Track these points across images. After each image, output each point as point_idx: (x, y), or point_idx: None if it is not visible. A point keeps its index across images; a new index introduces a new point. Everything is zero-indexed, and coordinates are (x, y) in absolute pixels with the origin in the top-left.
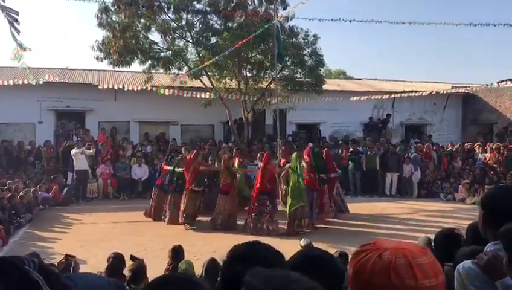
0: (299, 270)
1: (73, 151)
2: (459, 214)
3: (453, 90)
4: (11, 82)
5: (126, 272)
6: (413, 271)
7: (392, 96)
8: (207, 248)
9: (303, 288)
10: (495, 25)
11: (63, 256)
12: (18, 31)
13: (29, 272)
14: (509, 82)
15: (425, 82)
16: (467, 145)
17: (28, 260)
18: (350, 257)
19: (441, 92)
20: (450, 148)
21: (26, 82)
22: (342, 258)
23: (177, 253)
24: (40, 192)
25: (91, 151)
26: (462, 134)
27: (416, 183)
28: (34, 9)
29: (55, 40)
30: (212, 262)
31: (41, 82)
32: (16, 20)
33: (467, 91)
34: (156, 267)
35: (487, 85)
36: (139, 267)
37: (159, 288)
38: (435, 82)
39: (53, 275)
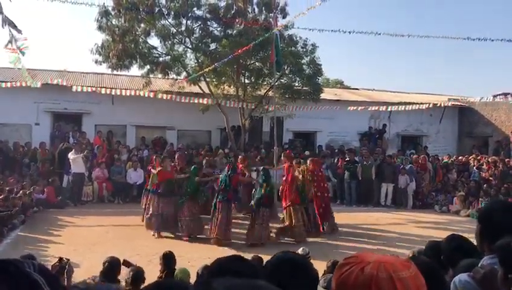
0: (275, 272)
1: (71, 156)
2: (454, 226)
3: (449, 103)
4: (8, 84)
5: (122, 277)
6: (395, 285)
7: (389, 107)
8: (200, 254)
9: None
10: (492, 40)
11: (57, 259)
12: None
13: (30, 274)
14: (503, 96)
15: (422, 94)
16: (462, 158)
17: (27, 262)
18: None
19: (438, 104)
20: (445, 160)
21: (24, 84)
22: (334, 267)
23: (168, 259)
24: (34, 194)
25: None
26: (457, 146)
27: (411, 194)
28: (33, 10)
29: (53, 42)
30: (206, 269)
31: (38, 85)
32: (19, 33)
33: (463, 104)
34: (149, 273)
35: (482, 98)
36: (139, 273)
37: None
38: (432, 94)
39: (52, 277)
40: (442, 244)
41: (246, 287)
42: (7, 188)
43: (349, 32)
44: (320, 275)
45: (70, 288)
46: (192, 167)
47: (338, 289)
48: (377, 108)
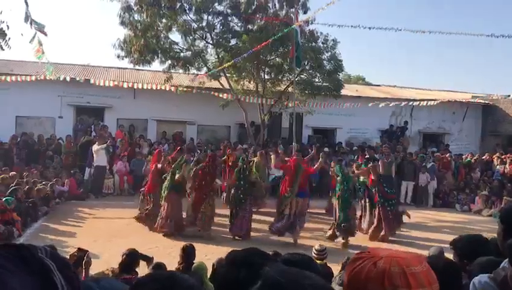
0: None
1: (94, 147)
2: (475, 225)
3: (472, 100)
4: (33, 78)
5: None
6: (407, 279)
7: (411, 103)
8: (218, 247)
9: (316, 284)
10: None
11: (76, 249)
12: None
13: (42, 259)
14: None
15: (445, 91)
16: (485, 157)
17: (40, 247)
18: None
19: (461, 101)
20: (468, 159)
21: (48, 78)
22: None
23: (187, 253)
24: (56, 185)
25: (105, 145)
26: (480, 145)
27: (432, 193)
28: (58, 5)
29: (78, 37)
30: (221, 262)
31: (61, 78)
32: (43, 31)
33: (487, 101)
34: (168, 265)
35: (508, 96)
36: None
37: (141, 286)
38: (455, 91)
39: (64, 264)
40: (461, 242)
41: (298, 274)
42: (32, 180)
43: (369, 28)
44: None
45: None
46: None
47: (350, 283)
48: (398, 104)
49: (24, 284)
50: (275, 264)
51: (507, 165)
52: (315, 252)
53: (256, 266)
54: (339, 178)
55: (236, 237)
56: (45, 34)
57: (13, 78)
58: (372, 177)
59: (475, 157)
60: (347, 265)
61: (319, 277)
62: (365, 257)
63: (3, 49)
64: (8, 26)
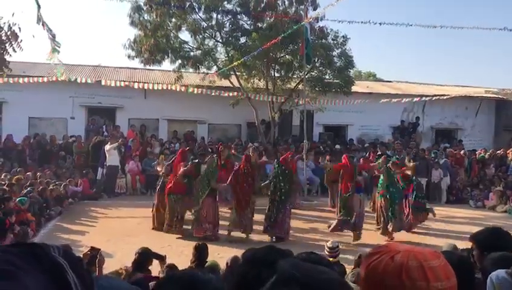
0: None
1: (107, 147)
2: (489, 221)
3: (485, 94)
4: (45, 79)
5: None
6: (425, 273)
7: (423, 99)
8: (231, 245)
9: (331, 278)
10: None
11: (89, 248)
12: (55, 42)
13: (55, 257)
14: None
15: (457, 86)
16: (500, 152)
17: (53, 246)
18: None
19: (473, 96)
20: (482, 155)
21: (60, 79)
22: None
23: (201, 251)
24: (70, 186)
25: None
26: (494, 140)
27: (445, 189)
28: (69, 7)
29: (89, 38)
30: (234, 260)
31: (72, 80)
32: (54, 37)
33: (500, 96)
34: (181, 264)
35: None
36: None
37: (164, 286)
38: (467, 86)
39: (76, 262)
40: (483, 235)
41: (313, 269)
42: (45, 180)
43: (380, 24)
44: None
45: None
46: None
47: (367, 277)
48: (410, 100)
49: (37, 282)
50: (289, 259)
51: None
52: (327, 249)
53: (275, 264)
54: (383, 175)
55: (274, 238)
56: (59, 47)
57: (25, 80)
58: (409, 173)
59: (489, 153)
60: (364, 259)
61: (335, 273)
62: (382, 251)
63: (16, 51)
64: (20, 28)
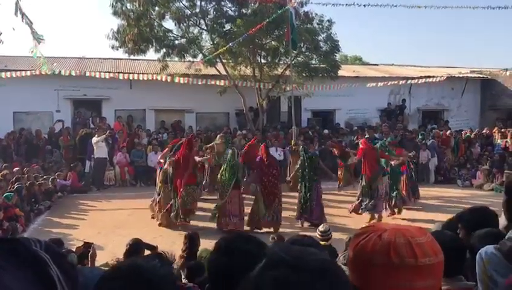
0: None
1: (94, 139)
2: (476, 200)
3: (471, 75)
4: (28, 73)
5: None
6: (413, 250)
7: (409, 81)
8: (222, 234)
9: (320, 259)
10: None
11: (82, 243)
12: (35, 32)
13: (37, 252)
14: None
15: (443, 67)
16: (485, 131)
17: (34, 240)
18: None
19: (459, 77)
20: (468, 134)
21: (43, 72)
22: None
23: (191, 240)
24: (58, 180)
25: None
26: (480, 120)
27: (433, 169)
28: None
29: (71, 29)
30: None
31: (56, 72)
32: (33, 29)
33: (485, 76)
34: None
35: (506, 69)
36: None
37: (108, 279)
38: (453, 67)
39: (59, 256)
40: (465, 214)
41: (302, 251)
42: (33, 175)
43: (364, 6)
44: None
45: (79, 269)
46: None
47: (356, 257)
48: (396, 83)
49: (17, 279)
50: (279, 243)
51: (508, 139)
52: (319, 233)
53: (245, 251)
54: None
55: (310, 225)
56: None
57: (8, 74)
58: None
59: (474, 133)
60: (352, 240)
61: (324, 254)
62: (370, 230)
63: None
64: None
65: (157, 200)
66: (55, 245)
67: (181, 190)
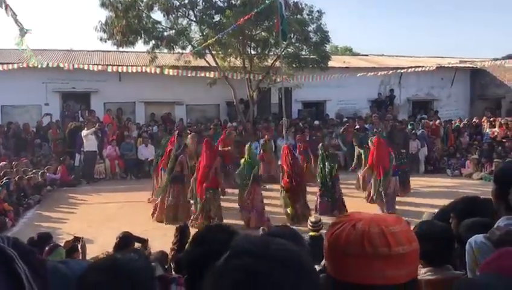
0: None
1: (84, 132)
2: (466, 189)
3: (460, 65)
4: (15, 66)
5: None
6: (387, 239)
7: (399, 71)
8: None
9: (284, 249)
10: None
11: (71, 236)
12: (20, 24)
13: (4, 248)
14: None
15: (433, 57)
16: (474, 121)
17: (2, 237)
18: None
19: (448, 67)
20: (457, 124)
21: (31, 65)
22: None
23: (182, 232)
24: (47, 173)
25: (93, 129)
26: (469, 109)
27: (423, 159)
28: None
29: (59, 22)
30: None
31: (44, 65)
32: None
33: (474, 66)
34: (165, 246)
35: (495, 59)
36: (161, 257)
37: (88, 277)
38: (442, 57)
39: (27, 251)
40: (459, 204)
41: (266, 240)
42: (22, 169)
43: None
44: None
45: (46, 261)
46: None
47: (330, 247)
48: (386, 73)
49: None
50: (245, 235)
51: (496, 128)
52: (310, 224)
53: (218, 241)
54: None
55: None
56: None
57: None
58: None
59: (464, 122)
60: (327, 230)
61: (291, 243)
62: (344, 220)
63: None
64: None
65: (165, 200)
66: (23, 242)
67: (202, 194)
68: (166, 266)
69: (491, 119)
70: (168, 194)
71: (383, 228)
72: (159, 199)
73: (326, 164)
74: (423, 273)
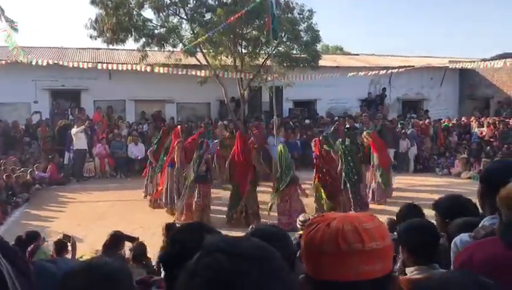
0: None
1: (73, 130)
2: (454, 188)
3: (449, 65)
4: (3, 62)
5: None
6: (360, 235)
7: (389, 71)
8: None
9: (255, 247)
10: None
11: (61, 235)
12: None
13: None
14: (505, 59)
15: (423, 57)
16: (463, 120)
17: None
18: None
19: (438, 67)
20: (446, 123)
21: (20, 61)
22: None
23: (170, 230)
24: (36, 171)
25: (83, 127)
26: (459, 109)
27: (413, 158)
28: None
29: (49, 19)
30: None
31: (34, 63)
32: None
33: (463, 66)
34: (155, 245)
35: (484, 60)
36: (139, 248)
37: (69, 279)
38: (432, 57)
39: (9, 249)
40: (443, 202)
41: (237, 238)
42: (10, 167)
43: None
44: None
45: (54, 260)
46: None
47: (306, 247)
48: (377, 73)
49: None
50: (218, 234)
51: (485, 128)
52: (299, 223)
53: (194, 240)
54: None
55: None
56: (16, 30)
57: None
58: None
59: (453, 122)
60: (303, 231)
61: (261, 241)
62: (319, 220)
63: None
64: None
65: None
66: (7, 242)
67: (247, 189)
68: (145, 261)
69: (480, 119)
70: (195, 195)
71: (356, 225)
72: (185, 198)
73: (349, 158)
74: (410, 272)
